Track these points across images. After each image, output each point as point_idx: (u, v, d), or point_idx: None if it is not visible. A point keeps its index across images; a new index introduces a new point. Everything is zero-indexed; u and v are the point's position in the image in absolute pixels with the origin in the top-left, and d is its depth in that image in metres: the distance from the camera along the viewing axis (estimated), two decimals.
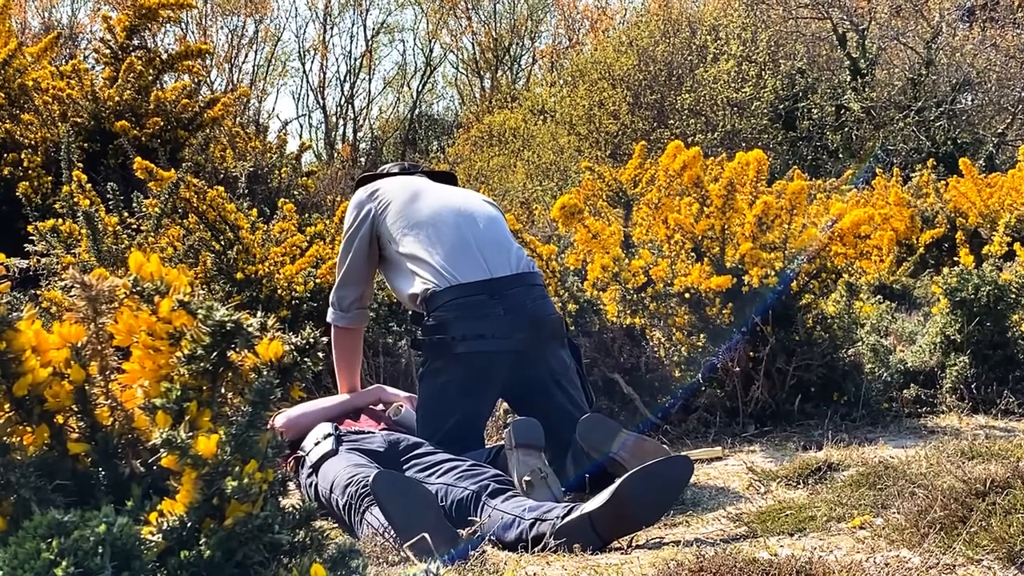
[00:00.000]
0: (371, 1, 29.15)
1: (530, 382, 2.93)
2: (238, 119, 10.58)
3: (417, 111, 28.19)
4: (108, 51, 6.72)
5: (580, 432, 2.67)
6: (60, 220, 4.30)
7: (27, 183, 5.42)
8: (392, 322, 5.04)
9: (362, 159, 24.70)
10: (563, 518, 2.21)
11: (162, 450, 1.13)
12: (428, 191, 3.17)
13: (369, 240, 3.13)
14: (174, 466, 1.13)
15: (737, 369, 3.48)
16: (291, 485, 2.77)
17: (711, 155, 11.99)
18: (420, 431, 2.90)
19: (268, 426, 1.21)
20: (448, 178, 3.48)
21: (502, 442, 2.70)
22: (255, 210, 4.89)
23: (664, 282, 3.53)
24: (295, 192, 7.31)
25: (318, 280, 4.30)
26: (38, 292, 3.72)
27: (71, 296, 1.24)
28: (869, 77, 16.38)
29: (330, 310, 3.26)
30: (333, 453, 2.69)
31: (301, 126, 28.69)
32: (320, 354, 1.27)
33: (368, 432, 2.86)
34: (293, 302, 4.18)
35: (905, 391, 3.70)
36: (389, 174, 3.36)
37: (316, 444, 2.76)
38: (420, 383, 2.96)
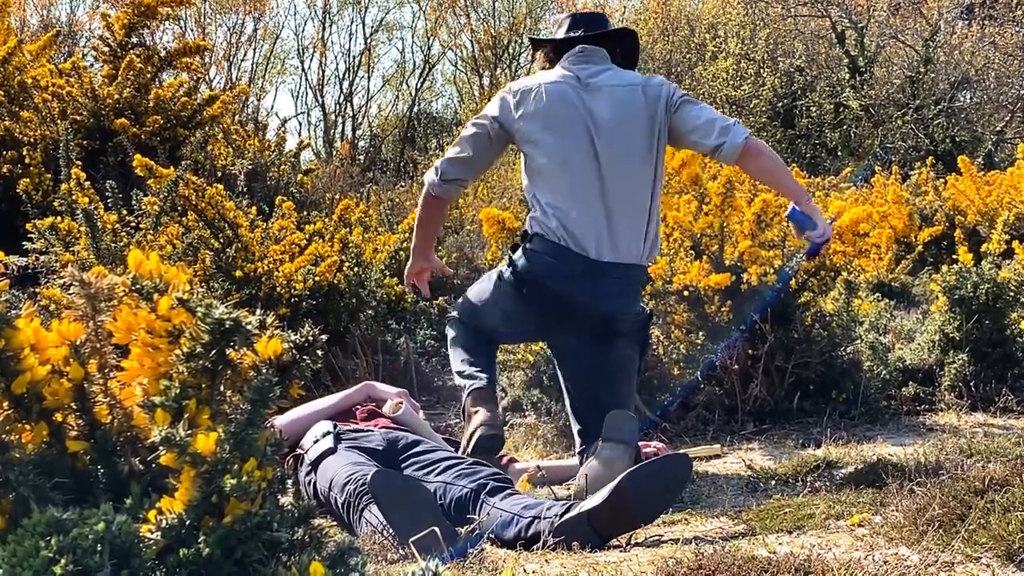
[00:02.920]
0: None
1: (573, 355, 2.95)
2: (237, 117, 10.58)
3: (416, 109, 28.15)
4: (107, 49, 6.72)
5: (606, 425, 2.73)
6: (59, 218, 4.30)
7: (28, 180, 5.42)
8: (391, 320, 5.05)
9: (361, 157, 24.68)
10: (562, 516, 2.21)
11: (161, 448, 1.12)
12: (579, 141, 2.87)
13: (494, 141, 2.97)
14: (173, 464, 1.13)
15: (736, 367, 3.48)
16: (287, 483, 2.77)
17: None
18: (460, 301, 3.10)
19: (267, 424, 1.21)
20: (628, 44, 3.13)
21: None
22: (254, 208, 4.89)
23: (663, 280, 3.53)
24: (293, 190, 7.31)
25: (317, 278, 4.30)
26: (37, 290, 3.72)
27: (70, 294, 1.24)
28: (868, 75, 16.38)
29: (430, 172, 3.03)
30: (331, 451, 2.69)
31: (300, 124, 28.63)
32: (319, 352, 1.27)
33: (367, 430, 2.86)
34: (292, 300, 4.18)
35: (904, 389, 3.70)
36: (562, 46, 3.04)
37: (315, 442, 2.76)
38: (488, 272, 3.09)
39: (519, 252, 2.91)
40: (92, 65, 7.44)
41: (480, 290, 3.05)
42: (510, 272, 2.92)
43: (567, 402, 3.01)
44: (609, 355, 2.91)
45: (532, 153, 2.90)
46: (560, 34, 3.07)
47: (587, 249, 2.81)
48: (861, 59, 16.38)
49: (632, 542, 2.27)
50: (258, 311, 1.26)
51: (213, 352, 1.19)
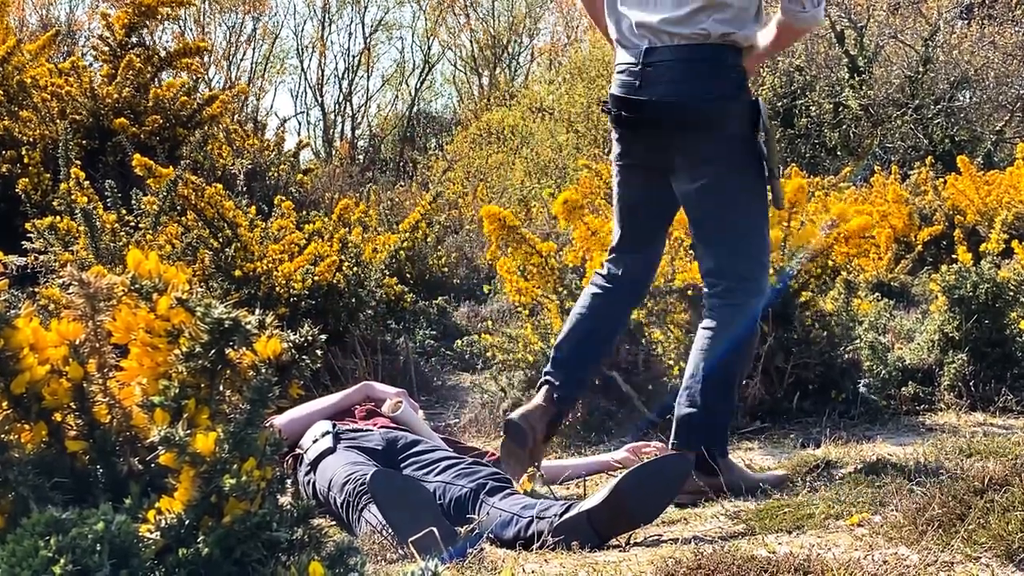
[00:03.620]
0: None
1: (683, 195, 2.71)
2: (236, 117, 10.58)
3: (415, 108, 28.18)
4: (107, 48, 6.72)
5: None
6: (58, 217, 4.30)
7: (27, 179, 5.43)
8: (390, 320, 5.05)
9: (360, 156, 24.68)
10: (561, 516, 2.21)
11: (160, 448, 1.12)
12: None
13: None
14: (172, 464, 1.13)
15: None
16: (287, 483, 2.76)
17: None
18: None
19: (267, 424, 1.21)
20: None
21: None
22: (253, 207, 4.89)
23: (664, 279, 3.53)
24: (292, 189, 7.31)
25: (316, 278, 4.29)
26: (36, 290, 3.72)
27: (69, 293, 1.24)
28: (867, 75, 16.36)
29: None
30: (331, 451, 2.68)
31: (299, 123, 28.67)
32: (318, 352, 1.27)
33: (366, 430, 2.85)
34: (291, 299, 4.18)
35: (903, 389, 3.70)
36: None
37: (314, 442, 2.76)
38: None
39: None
40: (91, 65, 7.44)
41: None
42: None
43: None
44: (710, 182, 2.61)
45: None
46: None
47: (640, 43, 2.61)
48: (860, 59, 16.37)
49: (631, 542, 2.26)
50: (257, 311, 1.26)
51: (212, 352, 1.19)
